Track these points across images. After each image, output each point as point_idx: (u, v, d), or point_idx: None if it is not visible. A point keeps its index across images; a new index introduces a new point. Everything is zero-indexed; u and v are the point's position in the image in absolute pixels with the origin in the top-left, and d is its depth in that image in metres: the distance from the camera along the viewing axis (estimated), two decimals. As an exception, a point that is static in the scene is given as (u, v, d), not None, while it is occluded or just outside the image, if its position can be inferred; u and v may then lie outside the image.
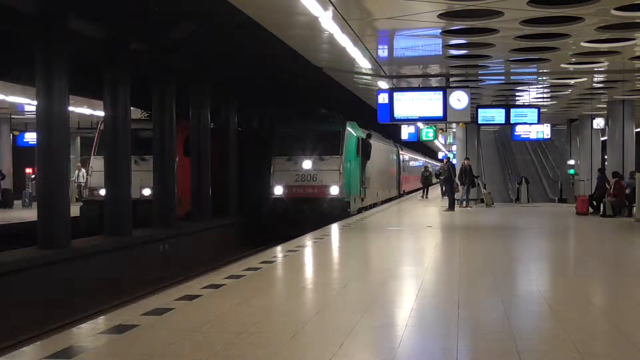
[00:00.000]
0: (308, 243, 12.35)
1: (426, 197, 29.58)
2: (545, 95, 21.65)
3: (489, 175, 36.45)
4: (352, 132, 21.64)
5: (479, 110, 18.99)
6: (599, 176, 20.71)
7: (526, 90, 20.48)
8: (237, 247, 19.65)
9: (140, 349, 4.99)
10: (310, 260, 10.74)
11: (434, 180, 33.56)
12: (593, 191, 21.51)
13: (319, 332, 5.60)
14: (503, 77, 17.94)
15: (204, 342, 5.12)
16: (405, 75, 17.46)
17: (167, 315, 6.04)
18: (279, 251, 11.21)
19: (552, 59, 14.53)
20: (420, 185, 33.24)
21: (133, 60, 15.24)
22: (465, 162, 23.29)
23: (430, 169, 33.53)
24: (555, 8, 10.36)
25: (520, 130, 26.15)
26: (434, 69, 16.42)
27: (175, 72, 17.35)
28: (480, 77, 17.51)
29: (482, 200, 25.25)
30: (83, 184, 24.32)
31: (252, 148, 23.29)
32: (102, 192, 15.95)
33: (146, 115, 22.42)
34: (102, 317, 6.48)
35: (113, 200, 14.81)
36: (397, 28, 11.93)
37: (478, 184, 25.21)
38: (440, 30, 11.93)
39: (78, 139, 35.04)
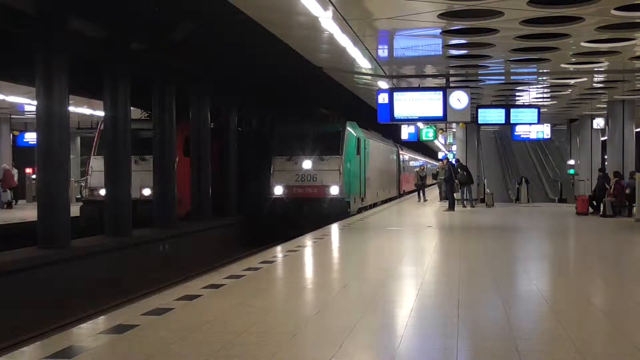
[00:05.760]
0: (308, 243, 12.35)
1: (424, 200, 27.73)
2: (545, 95, 21.66)
3: (489, 175, 36.44)
4: (352, 132, 21.64)
5: (479, 110, 18.99)
6: (600, 176, 20.70)
7: (526, 90, 20.49)
8: (237, 247, 19.64)
9: (140, 349, 4.99)
10: (310, 260, 10.74)
11: (430, 181, 33.19)
12: (593, 191, 21.48)
13: (319, 332, 5.59)
14: (503, 77, 17.94)
15: (204, 342, 5.12)
16: (405, 75, 17.46)
17: (167, 315, 6.04)
18: (279, 251, 11.21)
19: (552, 59, 14.54)
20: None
21: (133, 60, 15.24)
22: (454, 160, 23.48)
23: (426, 169, 32.97)
24: (555, 8, 10.37)
25: (520, 130, 26.13)
26: (434, 69, 16.42)
27: (175, 72, 17.35)
28: (480, 77, 17.51)
29: (482, 200, 25.25)
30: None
31: (252, 148, 23.29)
32: (102, 192, 15.95)
33: (146, 115, 22.41)
34: (102, 317, 6.48)
35: (113, 200, 14.81)
36: (397, 28, 11.94)
37: (478, 183, 25.21)
38: (440, 30, 11.94)
39: (78, 139, 35.05)
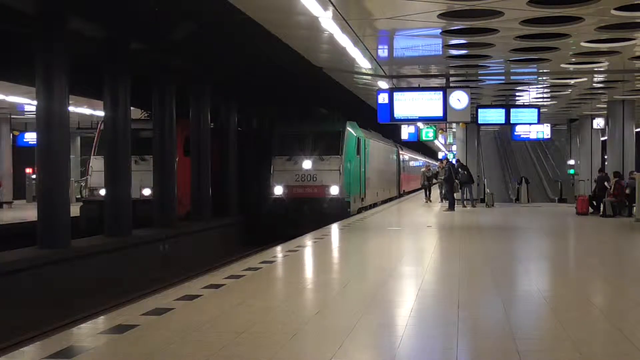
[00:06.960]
0: (308, 243, 12.35)
1: (429, 200, 27.30)
2: (545, 95, 21.66)
3: (489, 175, 36.43)
4: (352, 132, 21.64)
5: (479, 110, 19.00)
6: (600, 176, 20.69)
7: (526, 90, 20.49)
8: (238, 247, 19.64)
9: (140, 349, 4.99)
10: (310, 260, 10.74)
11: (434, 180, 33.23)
12: (593, 191, 21.48)
13: (319, 332, 5.59)
14: (503, 77, 17.94)
15: (204, 342, 5.12)
16: (405, 75, 17.46)
17: (167, 315, 6.04)
18: (279, 251, 11.21)
19: (552, 59, 14.54)
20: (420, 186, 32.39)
21: (133, 60, 15.24)
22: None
23: (432, 170, 33.06)
24: (555, 8, 10.37)
25: (520, 130, 26.13)
26: (434, 69, 16.42)
27: (175, 72, 17.35)
28: (480, 77, 17.51)
29: (482, 200, 25.23)
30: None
31: (252, 148, 23.29)
32: (102, 192, 15.95)
33: (146, 115, 22.42)
34: (102, 317, 6.48)
35: (113, 200, 14.81)
36: (397, 28, 11.94)
37: (478, 183, 25.17)
38: (440, 30, 11.94)
39: (78, 139, 35.05)
